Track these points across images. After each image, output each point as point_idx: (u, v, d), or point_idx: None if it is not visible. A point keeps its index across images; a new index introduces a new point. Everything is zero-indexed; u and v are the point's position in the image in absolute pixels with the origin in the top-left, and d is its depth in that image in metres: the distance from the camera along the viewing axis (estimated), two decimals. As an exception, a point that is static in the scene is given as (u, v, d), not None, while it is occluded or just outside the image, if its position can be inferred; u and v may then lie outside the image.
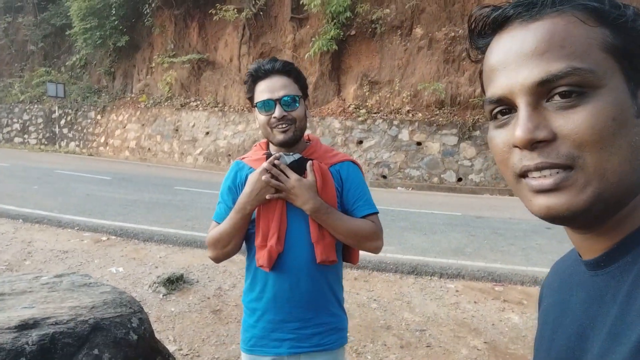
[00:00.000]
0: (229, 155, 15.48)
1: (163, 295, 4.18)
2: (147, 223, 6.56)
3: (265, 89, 1.57)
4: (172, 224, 6.61)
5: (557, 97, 0.52)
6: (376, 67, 14.47)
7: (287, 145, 1.59)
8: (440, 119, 13.06)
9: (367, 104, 14.17)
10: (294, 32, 15.67)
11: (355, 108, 14.14)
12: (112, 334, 1.88)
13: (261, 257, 1.58)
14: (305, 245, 1.58)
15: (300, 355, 1.61)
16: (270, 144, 1.68)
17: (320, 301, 1.62)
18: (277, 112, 1.54)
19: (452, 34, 13.59)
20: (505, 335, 3.71)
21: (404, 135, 13.15)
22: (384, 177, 13.12)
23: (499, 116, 0.59)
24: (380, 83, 14.34)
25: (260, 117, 1.59)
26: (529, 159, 0.54)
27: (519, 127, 0.53)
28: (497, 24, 0.59)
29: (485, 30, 0.61)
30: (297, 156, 1.58)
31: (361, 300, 4.29)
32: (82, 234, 6.07)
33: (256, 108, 1.60)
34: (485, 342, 3.58)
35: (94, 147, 19.58)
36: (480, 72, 0.63)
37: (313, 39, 14.52)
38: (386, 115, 13.65)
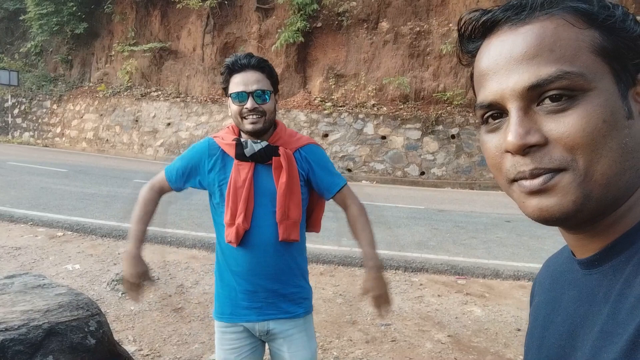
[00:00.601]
0: (192, 147, 15.17)
1: (122, 294, 4.04)
2: (105, 218, 6.34)
3: (240, 82, 1.69)
4: (131, 218, 6.41)
5: (547, 101, 0.52)
6: (342, 60, 14.47)
7: (255, 135, 1.73)
8: (405, 113, 13.19)
9: (333, 97, 14.16)
10: (259, 23, 15.47)
11: (321, 101, 14.11)
12: (68, 339, 1.78)
13: (230, 233, 1.72)
14: (270, 225, 1.73)
15: (270, 322, 1.77)
16: (241, 131, 1.81)
17: (285, 274, 1.77)
18: (249, 104, 1.67)
19: (417, 28, 13.72)
20: (468, 329, 3.77)
21: (369, 129, 13.22)
22: (349, 170, 13.16)
23: (490, 120, 0.59)
24: (346, 76, 14.35)
25: (233, 106, 1.71)
26: (523, 165, 0.54)
27: (511, 132, 0.53)
28: (486, 28, 0.59)
29: (474, 34, 0.61)
30: (264, 144, 1.73)
31: (327, 296, 4.28)
32: (36, 229, 5.81)
33: (230, 98, 1.73)
34: (449, 336, 3.63)
35: (49, 138, 18.84)
36: (471, 75, 0.63)
37: (279, 30, 14.37)
38: (352, 109, 13.68)
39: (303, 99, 14.36)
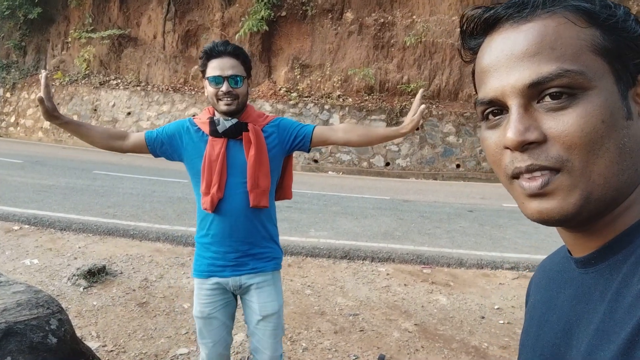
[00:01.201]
0: (154, 137, 14.80)
1: (84, 289, 3.92)
2: (63, 210, 6.12)
3: (216, 67, 1.87)
4: (91, 211, 6.22)
5: (547, 99, 0.53)
6: (307, 50, 14.37)
7: (229, 115, 1.93)
8: (370, 105, 13.26)
9: (299, 87, 14.08)
10: (222, 10, 15.15)
11: (286, 91, 14.00)
12: (27, 338, 1.70)
13: (205, 201, 1.93)
14: (241, 194, 1.93)
15: (241, 277, 2.00)
16: (216, 111, 2.00)
17: (255, 237, 1.99)
18: (224, 87, 1.86)
19: (382, 20, 13.76)
20: (434, 317, 3.84)
21: (335, 119, 13.22)
22: (315, 161, 13.15)
23: (490, 117, 0.59)
24: (312, 67, 14.28)
25: (210, 89, 1.90)
26: (520, 161, 0.54)
27: (510, 129, 0.53)
28: (488, 25, 0.59)
29: (476, 31, 0.61)
30: (234, 121, 1.93)
31: (295, 287, 4.27)
32: (-11, 223, 5.55)
33: (207, 81, 1.91)
34: (415, 324, 3.69)
35: (3, 128, 17.97)
36: (473, 72, 0.63)
37: (243, 18, 14.14)
38: (317, 100, 13.64)
39: (268, 89, 14.22)
